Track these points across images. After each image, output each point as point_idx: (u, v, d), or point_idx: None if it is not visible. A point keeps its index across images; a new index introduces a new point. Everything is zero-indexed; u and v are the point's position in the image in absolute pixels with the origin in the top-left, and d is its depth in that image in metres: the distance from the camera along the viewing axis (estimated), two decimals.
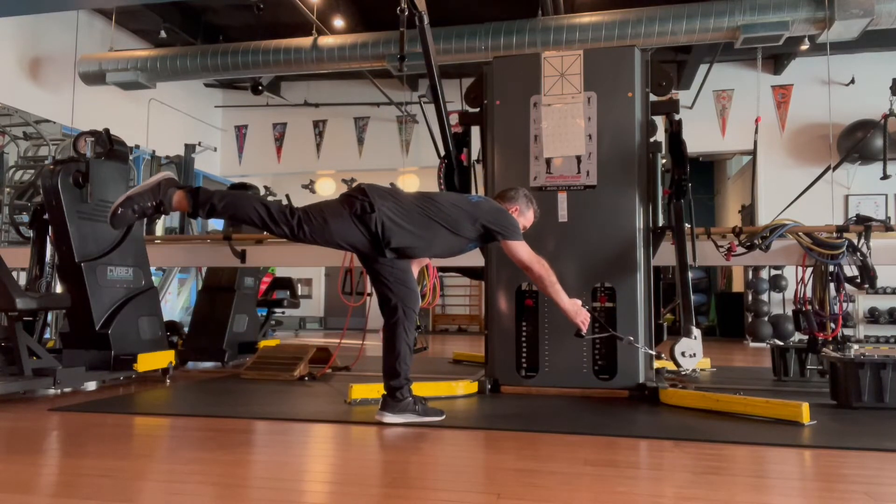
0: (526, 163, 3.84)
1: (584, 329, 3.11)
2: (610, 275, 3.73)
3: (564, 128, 3.80)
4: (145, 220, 6.41)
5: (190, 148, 7.33)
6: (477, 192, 4.18)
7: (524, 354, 3.82)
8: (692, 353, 3.37)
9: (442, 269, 4.59)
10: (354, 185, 2.88)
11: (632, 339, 3.39)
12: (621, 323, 3.62)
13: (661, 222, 3.87)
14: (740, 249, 4.07)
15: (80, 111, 7.55)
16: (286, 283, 6.34)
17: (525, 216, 3.18)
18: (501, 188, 3.85)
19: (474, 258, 4.15)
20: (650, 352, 3.60)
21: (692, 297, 3.63)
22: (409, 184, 9.55)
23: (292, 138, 10.40)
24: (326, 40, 7.25)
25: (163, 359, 4.11)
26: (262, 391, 3.74)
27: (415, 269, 3.09)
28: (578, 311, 3.08)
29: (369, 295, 3.68)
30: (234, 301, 5.21)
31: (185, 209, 2.60)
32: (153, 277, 4.82)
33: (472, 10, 7.17)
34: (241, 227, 5.42)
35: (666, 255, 3.89)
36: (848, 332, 7.84)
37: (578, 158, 3.77)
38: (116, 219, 2.52)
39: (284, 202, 8.40)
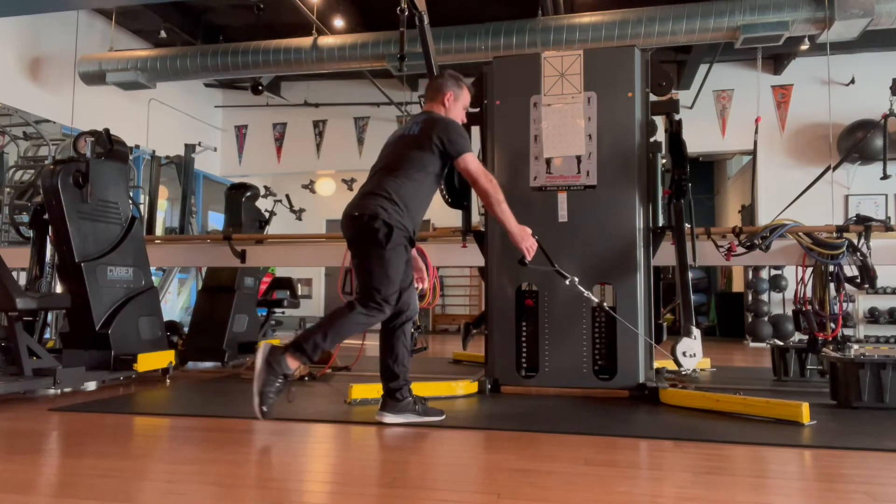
0: (526, 163, 3.84)
1: (529, 257, 3.00)
2: (610, 275, 3.73)
3: (564, 128, 3.80)
4: (145, 220, 6.44)
5: (190, 148, 7.33)
6: None
7: (524, 354, 3.82)
8: (692, 353, 3.37)
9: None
10: (350, 208, 2.88)
11: (576, 279, 3.29)
12: (621, 322, 3.61)
13: (661, 222, 3.87)
14: (740, 249, 4.07)
15: (80, 111, 7.55)
16: (286, 283, 6.34)
17: (461, 98, 3.09)
18: (501, 188, 3.85)
19: (474, 258, 4.16)
20: (592, 298, 3.44)
21: (692, 297, 3.62)
22: None
23: (292, 138, 10.41)
24: (326, 40, 7.26)
25: (163, 359, 4.11)
26: None
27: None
28: (525, 238, 2.98)
29: None
30: (234, 301, 5.21)
31: (304, 363, 2.79)
32: (153, 277, 4.82)
33: (472, 10, 7.17)
34: (241, 228, 5.43)
35: (666, 255, 3.89)
36: (848, 332, 7.83)
37: (578, 158, 3.77)
38: (267, 416, 2.71)
39: (284, 202, 8.45)
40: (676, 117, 3.89)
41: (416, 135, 2.90)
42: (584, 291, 3.32)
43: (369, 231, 2.76)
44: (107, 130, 4.26)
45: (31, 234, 4.49)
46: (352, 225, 2.83)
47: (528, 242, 2.98)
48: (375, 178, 2.89)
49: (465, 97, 3.12)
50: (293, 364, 2.73)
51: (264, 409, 2.68)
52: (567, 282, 3.28)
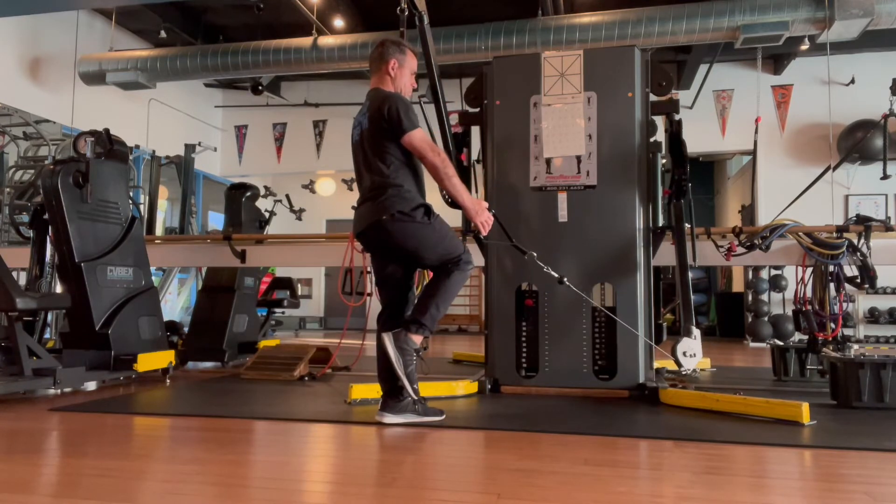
0: (526, 163, 3.84)
1: (484, 232, 2.96)
2: (610, 275, 3.73)
3: (564, 128, 3.80)
4: (146, 219, 6.44)
5: (190, 148, 7.32)
6: (476, 192, 4.18)
7: (524, 354, 3.82)
8: (692, 352, 3.37)
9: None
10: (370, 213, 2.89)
11: (535, 254, 3.26)
12: (621, 322, 3.61)
13: (661, 222, 3.87)
14: (740, 249, 4.07)
15: (80, 111, 7.55)
16: (286, 283, 6.34)
17: (407, 64, 2.98)
18: (501, 189, 3.86)
19: (474, 258, 4.15)
20: (553, 274, 3.33)
21: (692, 297, 3.62)
22: None
23: (292, 138, 10.41)
24: (326, 40, 7.26)
25: (163, 359, 4.11)
26: (262, 391, 3.74)
27: None
28: (479, 211, 2.89)
29: (369, 295, 3.68)
30: (234, 301, 5.21)
31: (426, 336, 2.88)
32: (153, 277, 4.82)
33: (472, 10, 7.17)
34: (241, 228, 5.44)
35: (666, 255, 3.89)
36: (848, 332, 7.84)
37: (578, 158, 3.77)
38: (419, 393, 2.83)
39: (284, 202, 8.46)
40: (676, 117, 3.90)
41: (368, 129, 2.88)
42: (544, 267, 3.29)
43: (408, 223, 2.80)
44: (107, 130, 4.26)
45: (31, 234, 4.49)
46: (384, 230, 2.83)
47: (483, 217, 2.92)
48: (371, 182, 2.90)
49: (410, 62, 3.01)
50: (418, 339, 2.82)
51: (415, 387, 2.78)
52: (526, 257, 3.26)
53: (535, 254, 3.27)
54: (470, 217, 2.94)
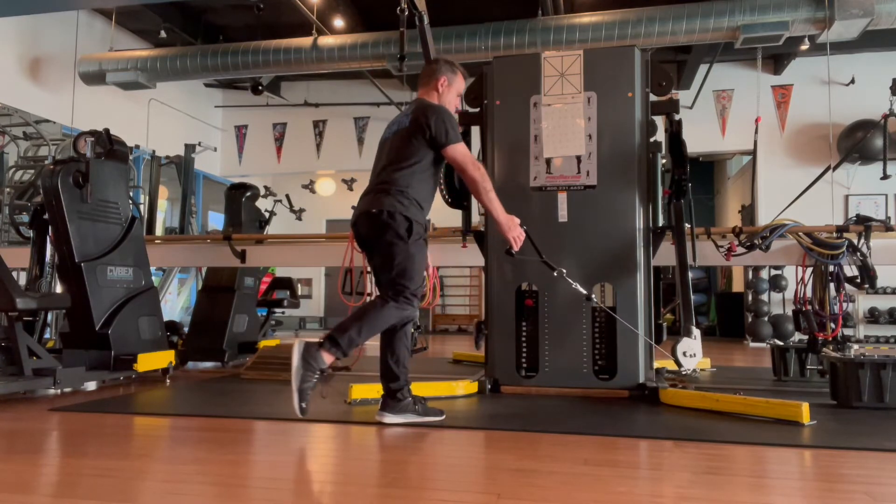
0: (526, 163, 3.84)
1: (516, 247, 2.97)
2: (610, 275, 3.73)
3: (564, 128, 3.80)
4: (146, 219, 6.44)
5: (190, 148, 7.32)
6: None
7: (524, 354, 3.82)
8: (692, 352, 3.36)
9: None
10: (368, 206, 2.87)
11: (564, 271, 3.24)
12: (621, 322, 3.61)
13: (661, 222, 3.87)
14: (740, 249, 4.07)
15: (80, 111, 7.55)
16: (286, 283, 6.34)
17: (455, 84, 3.06)
18: (501, 189, 3.86)
19: (474, 258, 4.16)
20: (581, 290, 3.32)
21: (692, 297, 3.62)
22: None
23: (292, 138, 10.41)
24: (326, 40, 7.26)
25: (163, 359, 4.11)
26: (262, 391, 3.74)
27: None
28: (512, 227, 2.93)
29: (369, 295, 3.68)
30: (234, 301, 5.21)
31: (339, 357, 2.76)
32: (153, 277, 4.82)
33: (472, 10, 7.17)
34: (241, 228, 5.44)
35: (666, 255, 3.88)
36: (848, 332, 7.84)
37: (578, 158, 3.77)
38: (305, 413, 2.69)
39: (284, 202, 8.46)
40: (676, 117, 3.89)
41: (406, 127, 2.89)
42: (572, 283, 3.29)
43: (391, 227, 2.77)
44: (107, 130, 4.26)
45: (31, 234, 4.49)
46: (370, 222, 2.82)
47: (515, 232, 2.95)
48: (382, 175, 2.89)
49: (459, 83, 3.09)
50: (329, 359, 2.74)
51: (303, 405, 2.69)
52: (555, 273, 3.24)
53: (563, 270, 3.25)
54: (502, 232, 2.95)
